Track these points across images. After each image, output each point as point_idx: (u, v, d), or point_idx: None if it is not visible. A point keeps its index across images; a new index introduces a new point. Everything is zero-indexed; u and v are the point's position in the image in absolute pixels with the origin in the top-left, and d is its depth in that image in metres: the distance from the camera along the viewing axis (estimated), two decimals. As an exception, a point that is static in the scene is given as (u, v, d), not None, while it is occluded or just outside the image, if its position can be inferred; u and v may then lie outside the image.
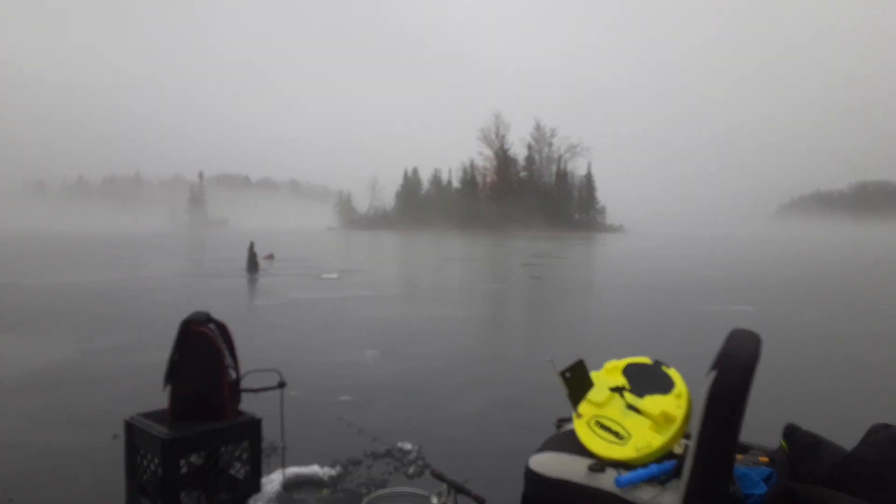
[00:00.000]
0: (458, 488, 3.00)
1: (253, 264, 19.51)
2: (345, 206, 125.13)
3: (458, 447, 4.25)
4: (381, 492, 3.41)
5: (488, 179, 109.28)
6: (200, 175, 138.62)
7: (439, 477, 3.15)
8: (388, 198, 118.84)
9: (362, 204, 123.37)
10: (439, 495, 3.03)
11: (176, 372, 3.39)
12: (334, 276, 18.21)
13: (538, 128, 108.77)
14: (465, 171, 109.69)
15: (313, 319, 10.51)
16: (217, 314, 3.47)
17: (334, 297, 13.42)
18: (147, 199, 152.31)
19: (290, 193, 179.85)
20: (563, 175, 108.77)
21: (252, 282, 17.09)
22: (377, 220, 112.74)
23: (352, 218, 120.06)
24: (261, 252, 20.80)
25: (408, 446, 4.07)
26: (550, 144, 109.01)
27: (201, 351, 3.36)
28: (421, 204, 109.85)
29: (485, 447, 4.31)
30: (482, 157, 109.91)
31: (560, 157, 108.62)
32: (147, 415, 3.38)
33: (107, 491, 3.50)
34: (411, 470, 3.73)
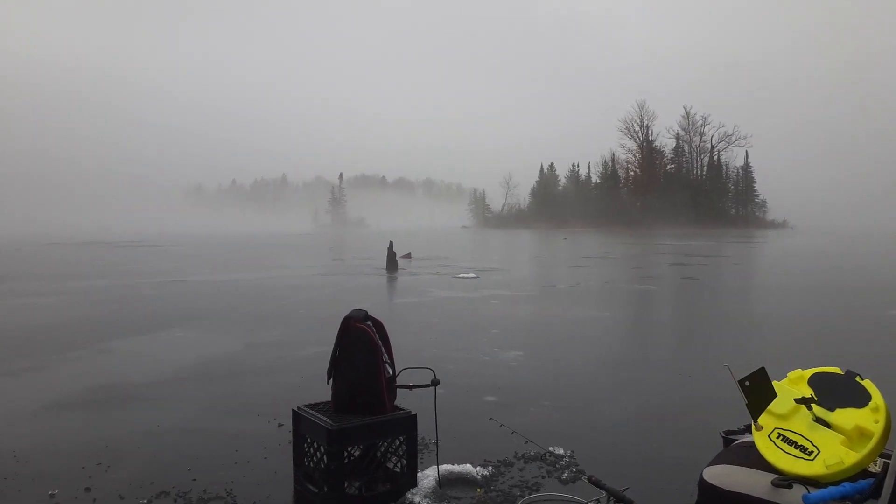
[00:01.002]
0: (618, 497, 2.97)
1: (392, 263, 20.38)
2: (479, 204, 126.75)
3: (613, 454, 4.20)
4: (537, 496, 3.46)
5: (631, 173, 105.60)
6: (340, 176, 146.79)
7: (597, 484, 3.14)
8: (522, 195, 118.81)
9: (496, 202, 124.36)
10: (597, 502, 3.03)
11: (337, 367, 3.67)
12: (472, 275, 18.54)
13: (687, 116, 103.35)
14: (605, 164, 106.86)
15: (454, 318, 10.79)
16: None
17: (474, 296, 13.68)
18: (292, 201, 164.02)
19: (424, 193, 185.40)
20: (716, 167, 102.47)
21: (392, 280, 17.86)
22: (512, 218, 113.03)
23: (486, 216, 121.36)
24: (399, 251, 21.66)
25: (560, 450, 4.08)
26: (701, 134, 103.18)
27: (360, 347, 3.61)
28: (557, 200, 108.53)
29: (641, 455, 4.22)
30: (624, 149, 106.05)
31: (713, 148, 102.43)
32: (312, 406, 3.69)
33: (277, 475, 3.85)
34: (565, 475, 3.74)
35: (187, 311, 11.24)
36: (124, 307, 11.90)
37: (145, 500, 3.49)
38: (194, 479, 3.78)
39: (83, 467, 4.00)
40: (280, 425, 4.75)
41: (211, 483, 3.73)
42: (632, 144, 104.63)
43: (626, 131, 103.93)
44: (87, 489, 3.66)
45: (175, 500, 3.50)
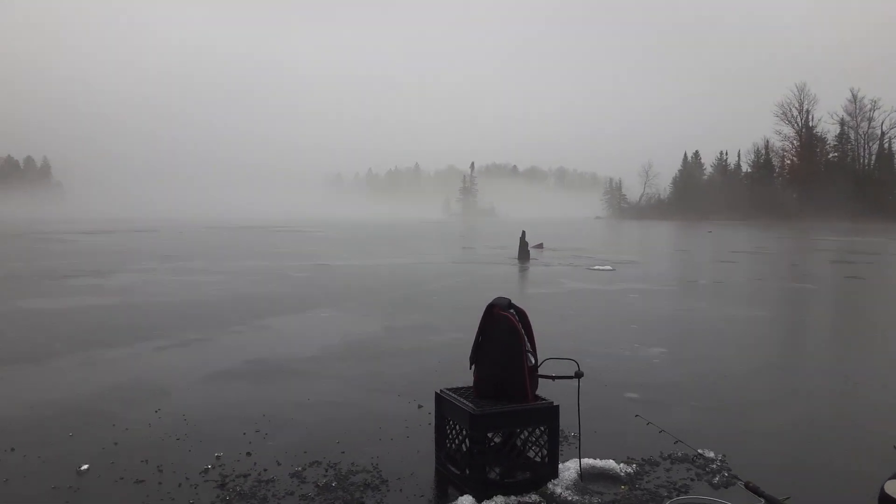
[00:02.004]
0: (778, 506, 2.79)
1: (524, 253, 20.32)
2: (614, 194, 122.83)
3: (770, 461, 3.93)
4: (687, 498, 3.33)
5: (787, 162, 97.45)
6: (472, 166, 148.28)
7: (755, 491, 2.96)
8: (663, 185, 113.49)
9: (633, 192, 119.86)
10: (755, 510, 2.86)
11: (480, 353, 3.73)
12: (608, 267, 18.05)
13: (854, 100, 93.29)
14: (757, 153, 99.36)
15: (590, 311, 10.58)
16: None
17: (610, 289, 13.32)
18: (425, 190, 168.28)
19: (556, 182, 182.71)
20: (886, 155, 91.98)
21: (524, 270, 17.81)
22: (650, 209, 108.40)
23: (622, 206, 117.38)
24: (530, 241, 21.53)
25: (710, 453, 3.89)
26: (870, 119, 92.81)
27: (504, 335, 3.63)
28: (702, 191, 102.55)
29: (804, 464, 3.92)
30: (780, 136, 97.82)
31: (883, 134, 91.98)
32: (454, 389, 3.78)
33: (419, 453, 3.99)
34: (717, 479, 3.56)
35: (331, 294, 11.91)
36: (276, 287, 12.82)
37: (300, 468, 3.76)
38: (343, 452, 4.01)
39: (244, 433, 4.37)
40: (420, 406, 4.91)
41: (358, 456, 3.94)
42: (789, 131, 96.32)
43: (783, 117, 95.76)
44: (248, 454, 3.99)
45: (326, 470, 3.73)
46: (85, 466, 3.77)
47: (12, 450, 4.04)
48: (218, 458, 3.91)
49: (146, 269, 15.99)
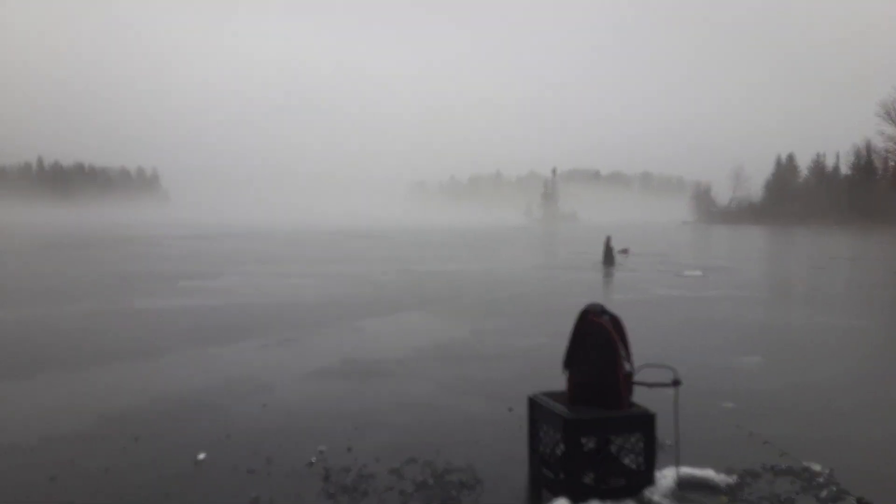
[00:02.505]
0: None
1: (609, 258, 19.91)
2: (702, 198, 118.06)
3: (884, 478, 3.70)
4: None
5: (891, 164, 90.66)
6: (553, 171, 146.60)
7: (869, 508, 2.81)
8: (754, 188, 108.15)
9: (723, 195, 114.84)
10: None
11: (574, 358, 3.72)
12: (698, 273, 17.42)
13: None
14: (857, 154, 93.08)
15: (681, 318, 10.25)
16: (578, 307, 3.69)
17: (700, 295, 12.86)
18: (506, 196, 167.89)
19: (641, 186, 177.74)
20: None
21: (609, 276, 17.47)
22: (740, 214, 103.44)
23: (710, 211, 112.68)
24: (615, 246, 21.08)
25: (816, 466, 3.71)
26: None
27: (597, 340, 3.60)
28: (797, 195, 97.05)
29: (920, 486, 3.66)
30: (883, 136, 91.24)
31: None
32: (548, 394, 3.78)
33: (512, 456, 4.01)
34: (824, 493, 3.39)
35: (418, 297, 12.12)
36: (365, 291, 13.18)
37: (397, 465, 3.86)
38: (438, 452, 4.09)
39: (344, 430, 4.54)
40: (510, 409, 4.93)
41: (453, 456, 4.00)
42: (893, 131, 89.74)
43: (886, 116, 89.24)
44: (349, 449, 4.14)
45: (422, 468, 3.82)
46: (202, 455, 4.03)
47: (136, 439, 4.37)
48: (321, 452, 4.08)
49: (246, 273, 16.81)
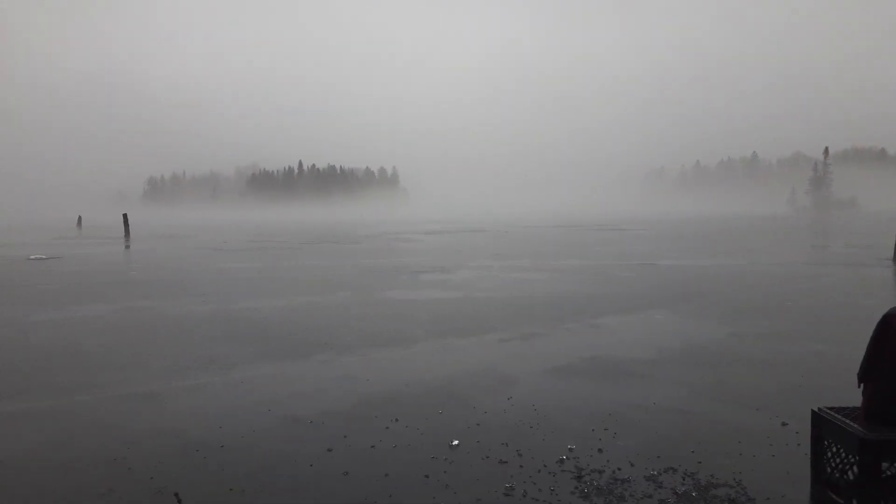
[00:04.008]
0: None
1: (903, 253, 17.13)
2: None
3: None
4: None
5: None
6: (825, 151, 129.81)
7: None
8: None
9: None
10: None
11: (873, 370, 3.29)
12: None
13: None
14: None
15: None
16: (876, 311, 3.19)
17: None
18: (764, 180, 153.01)
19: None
20: None
21: (903, 275, 15.03)
22: None
23: None
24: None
25: None
26: None
27: (903, 349, 3.15)
28: None
29: None
30: None
31: None
32: (837, 409, 3.40)
33: (789, 474, 3.68)
34: None
35: (663, 295, 11.62)
36: (603, 287, 12.99)
37: (654, 472, 3.77)
38: (699, 462, 3.91)
39: (592, 430, 4.54)
40: (784, 424, 4.54)
41: (717, 469, 3.80)
42: None
43: None
44: (600, 451, 4.14)
45: (683, 479, 3.68)
46: (455, 442, 4.33)
47: (396, 420, 4.84)
48: (571, 450, 4.14)
49: (482, 266, 17.58)
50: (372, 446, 4.32)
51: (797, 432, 4.32)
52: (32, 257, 21.68)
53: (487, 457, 4.08)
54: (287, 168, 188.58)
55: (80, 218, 56.15)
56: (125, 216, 38.68)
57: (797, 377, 5.88)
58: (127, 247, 28.28)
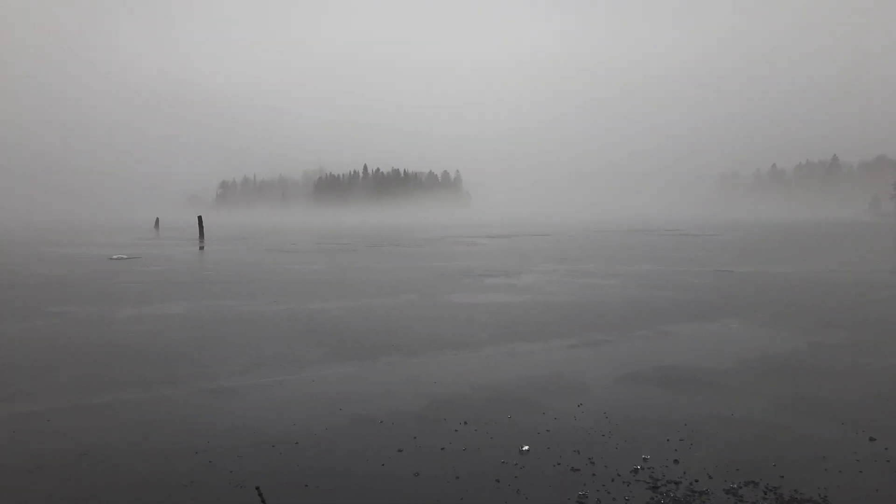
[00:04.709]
0: None
1: None
2: None
3: None
4: None
5: None
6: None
7: None
8: None
9: None
10: None
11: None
12: None
13: None
14: None
15: None
16: None
17: None
18: (844, 185, 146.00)
19: None
20: None
21: None
22: None
23: None
24: None
25: None
26: None
27: None
28: None
29: None
30: None
31: None
32: (934, 426, 3.23)
33: (877, 492, 3.52)
34: None
35: (739, 302, 11.26)
36: (675, 293, 12.68)
37: (734, 485, 3.67)
38: (781, 476, 3.78)
39: (667, 440, 4.45)
40: (871, 439, 4.34)
41: (800, 484, 3.67)
42: None
43: None
44: (676, 461, 4.06)
45: (765, 493, 3.57)
46: (526, 447, 4.33)
47: (465, 423, 4.87)
48: (645, 459, 4.07)
49: (546, 271, 17.44)
50: (442, 448, 4.37)
51: (886, 448, 4.12)
52: (114, 257, 22.81)
53: (559, 463, 4.06)
54: (352, 172, 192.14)
55: (157, 220, 58.83)
56: (200, 218, 40.21)
57: (883, 390, 5.60)
58: (201, 248, 29.38)
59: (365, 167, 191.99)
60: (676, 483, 3.71)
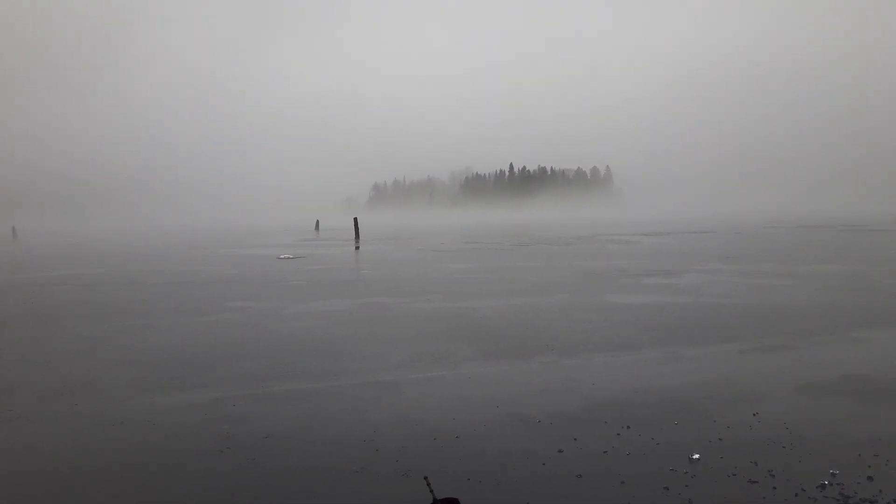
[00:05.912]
0: None
1: None
2: None
3: None
4: None
5: None
6: None
7: None
8: None
9: None
10: None
11: None
12: None
13: None
14: None
15: None
16: None
17: None
18: None
19: None
20: None
21: None
22: None
23: None
24: None
25: None
26: None
27: None
28: None
29: None
30: None
31: None
32: None
33: None
34: None
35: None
36: (865, 295, 11.54)
37: (944, 510, 3.31)
38: None
39: (859, 455, 4.10)
40: None
41: None
42: None
43: None
44: (869, 478, 3.74)
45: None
46: (696, 455, 4.17)
47: (628, 427, 4.77)
48: (833, 475, 3.78)
49: (711, 270, 16.56)
50: (604, 451, 4.32)
51: None
52: (281, 256, 24.70)
53: (734, 474, 3.87)
54: (498, 171, 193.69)
55: (317, 222, 63.01)
56: (356, 220, 42.43)
57: None
58: (357, 248, 31.01)
59: (511, 166, 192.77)
60: (871, 502, 3.41)
